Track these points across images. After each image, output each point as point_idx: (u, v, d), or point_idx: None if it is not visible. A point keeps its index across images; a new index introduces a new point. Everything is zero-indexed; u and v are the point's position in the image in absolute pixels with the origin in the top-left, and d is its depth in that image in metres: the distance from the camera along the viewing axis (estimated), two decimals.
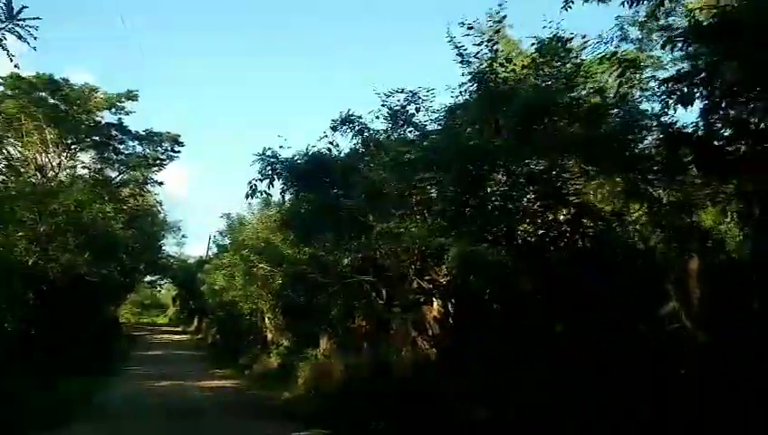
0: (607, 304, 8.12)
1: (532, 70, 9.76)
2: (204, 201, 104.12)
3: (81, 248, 19.56)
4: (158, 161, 33.40)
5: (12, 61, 8.15)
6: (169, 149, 33.24)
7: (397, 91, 11.90)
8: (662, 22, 10.79)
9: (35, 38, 8.09)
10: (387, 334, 13.78)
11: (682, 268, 7.73)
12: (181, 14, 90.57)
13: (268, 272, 19.11)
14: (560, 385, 8.07)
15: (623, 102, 9.24)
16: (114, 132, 31.31)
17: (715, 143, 7.40)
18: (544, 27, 9.59)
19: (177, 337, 44.03)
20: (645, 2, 8.72)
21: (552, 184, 9.41)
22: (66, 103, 28.07)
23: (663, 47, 7.93)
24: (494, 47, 10.17)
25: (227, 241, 30.18)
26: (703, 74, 6.97)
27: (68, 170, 29.52)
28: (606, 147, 8.71)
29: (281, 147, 12.96)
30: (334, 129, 12.85)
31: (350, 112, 12.78)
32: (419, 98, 11.87)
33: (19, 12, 7.84)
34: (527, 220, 9.89)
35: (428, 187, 10.95)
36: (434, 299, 12.08)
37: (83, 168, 31.20)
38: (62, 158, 29.27)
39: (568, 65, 9.61)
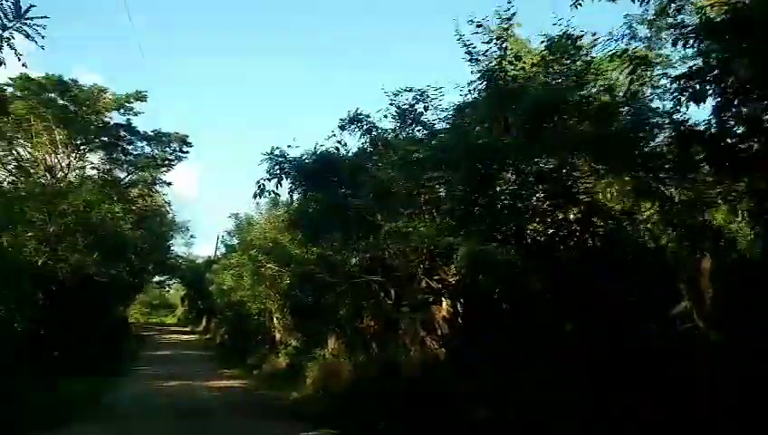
0: (617, 303, 8.06)
1: (542, 67, 9.67)
2: (205, 201, 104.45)
3: (90, 249, 19.70)
4: (166, 162, 33.66)
5: (20, 60, 8.17)
6: (178, 149, 33.49)
7: (405, 90, 11.82)
8: (671, 19, 10.69)
9: (43, 37, 8.10)
10: (395, 334, 13.77)
11: (694, 267, 7.67)
12: (182, 14, 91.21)
13: (276, 272, 19.15)
14: (573, 386, 7.99)
15: (634, 100, 9.17)
16: (123, 133, 31.53)
17: (728, 141, 7.32)
18: (554, 24, 9.53)
19: (185, 337, 44.15)
20: None
21: (561, 183, 9.31)
22: (75, 104, 28.25)
23: (674, 44, 7.84)
24: (504, 45, 10.12)
25: (236, 241, 30.28)
26: (715, 71, 6.88)
27: (77, 171, 29.77)
28: (616, 145, 8.60)
29: (289, 146, 12.93)
30: (342, 128, 12.82)
31: (359, 111, 12.76)
32: (428, 96, 11.78)
33: (27, 11, 7.85)
34: (537, 219, 9.81)
35: (437, 186, 10.89)
36: (443, 299, 12.06)
37: (92, 168, 31.50)
38: (72, 158, 29.47)
39: (578, 63, 9.52)
